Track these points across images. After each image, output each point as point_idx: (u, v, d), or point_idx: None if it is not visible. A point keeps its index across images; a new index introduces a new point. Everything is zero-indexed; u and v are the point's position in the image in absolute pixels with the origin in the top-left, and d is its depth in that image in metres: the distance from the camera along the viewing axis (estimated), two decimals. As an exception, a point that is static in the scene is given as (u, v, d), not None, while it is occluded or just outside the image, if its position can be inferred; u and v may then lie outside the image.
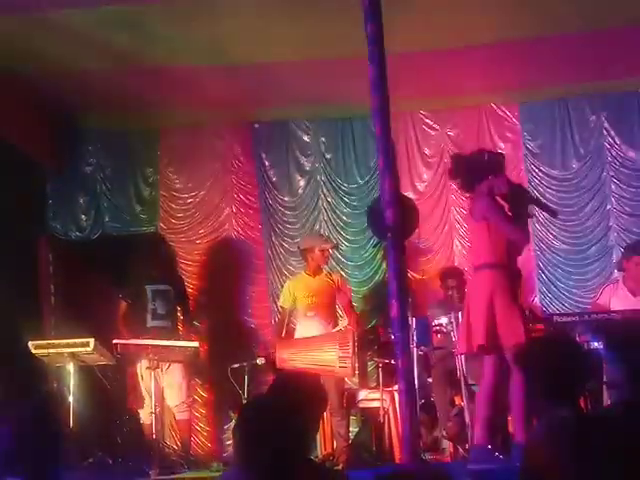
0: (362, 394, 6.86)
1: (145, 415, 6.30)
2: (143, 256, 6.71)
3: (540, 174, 7.79)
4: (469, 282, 5.61)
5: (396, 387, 4.79)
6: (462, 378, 5.57)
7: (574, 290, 7.59)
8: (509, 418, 5.22)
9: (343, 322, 6.54)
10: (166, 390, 6.28)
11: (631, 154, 7.64)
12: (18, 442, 2.71)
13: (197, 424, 7.63)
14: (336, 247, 7.22)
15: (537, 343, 3.14)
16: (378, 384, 6.62)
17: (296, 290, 6.69)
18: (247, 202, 8.08)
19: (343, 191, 8.01)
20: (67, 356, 5.86)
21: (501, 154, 5.54)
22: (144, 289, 6.51)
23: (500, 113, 7.87)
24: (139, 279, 6.57)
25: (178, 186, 8.10)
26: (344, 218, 7.97)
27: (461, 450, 5.71)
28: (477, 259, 5.14)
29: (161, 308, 6.51)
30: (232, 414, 7.43)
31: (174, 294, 6.63)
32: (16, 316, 6.29)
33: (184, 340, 6.52)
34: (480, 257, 5.08)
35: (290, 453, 2.57)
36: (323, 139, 8.08)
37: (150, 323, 6.46)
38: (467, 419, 5.45)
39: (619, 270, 6.59)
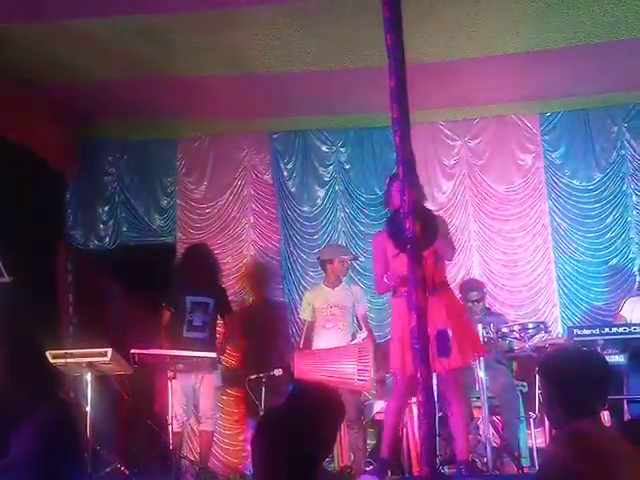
0: (379, 406, 6.80)
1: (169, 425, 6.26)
2: (186, 266, 6.69)
3: (561, 185, 7.74)
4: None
5: (414, 399, 4.74)
6: (481, 391, 5.51)
7: (595, 303, 7.52)
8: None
9: (362, 334, 6.48)
10: (200, 399, 6.28)
11: (652, 166, 7.59)
12: (38, 457, 2.69)
13: (215, 435, 7.59)
14: (355, 258, 7.18)
15: (559, 356, 3.08)
16: (396, 396, 6.55)
17: (314, 301, 6.64)
18: (265, 212, 8.08)
19: (362, 202, 7.98)
20: (85, 366, 5.85)
21: None
22: (184, 299, 6.51)
23: (520, 124, 7.83)
24: (181, 289, 6.55)
25: (196, 196, 8.11)
26: (363, 229, 7.93)
27: (479, 464, 5.64)
28: None
29: (198, 320, 6.49)
30: (250, 425, 7.40)
31: (214, 306, 6.61)
32: (34, 325, 6.29)
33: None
34: None
35: (307, 465, 2.54)
36: (342, 149, 8.06)
37: (185, 334, 6.45)
38: (486, 432, 5.40)
39: None
